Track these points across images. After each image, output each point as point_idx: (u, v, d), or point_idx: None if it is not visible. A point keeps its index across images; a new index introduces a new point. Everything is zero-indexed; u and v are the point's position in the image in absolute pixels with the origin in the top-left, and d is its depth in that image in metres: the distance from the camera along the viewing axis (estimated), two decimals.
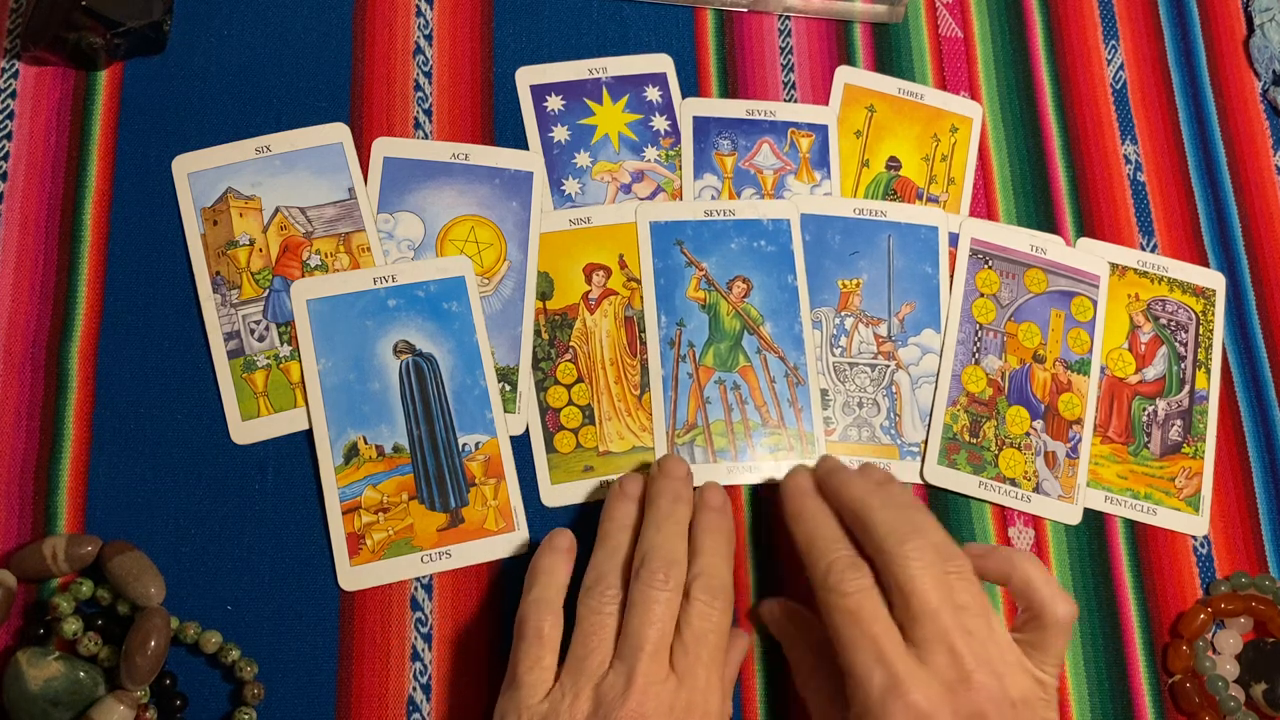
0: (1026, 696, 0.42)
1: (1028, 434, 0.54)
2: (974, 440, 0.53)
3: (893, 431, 0.53)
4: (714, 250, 0.54)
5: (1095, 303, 0.56)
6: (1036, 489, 0.53)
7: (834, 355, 0.53)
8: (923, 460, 0.53)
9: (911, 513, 0.45)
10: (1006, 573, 0.45)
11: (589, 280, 0.53)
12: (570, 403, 0.52)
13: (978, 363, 0.54)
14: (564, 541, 0.47)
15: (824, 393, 0.53)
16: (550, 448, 0.51)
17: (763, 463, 0.52)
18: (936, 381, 0.54)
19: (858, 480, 0.46)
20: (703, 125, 0.56)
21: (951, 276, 0.55)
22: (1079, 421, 0.55)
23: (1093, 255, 0.57)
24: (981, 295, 0.55)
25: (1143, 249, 0.58)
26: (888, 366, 0.54)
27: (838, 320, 0.54)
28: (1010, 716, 0.41)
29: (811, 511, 0.47)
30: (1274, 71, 0.62)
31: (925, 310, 0.55)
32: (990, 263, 0.56)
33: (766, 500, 0.52)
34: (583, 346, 0.52)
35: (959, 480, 0.53)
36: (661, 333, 0.53)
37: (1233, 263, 0.59)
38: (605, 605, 0.43)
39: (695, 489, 0.48)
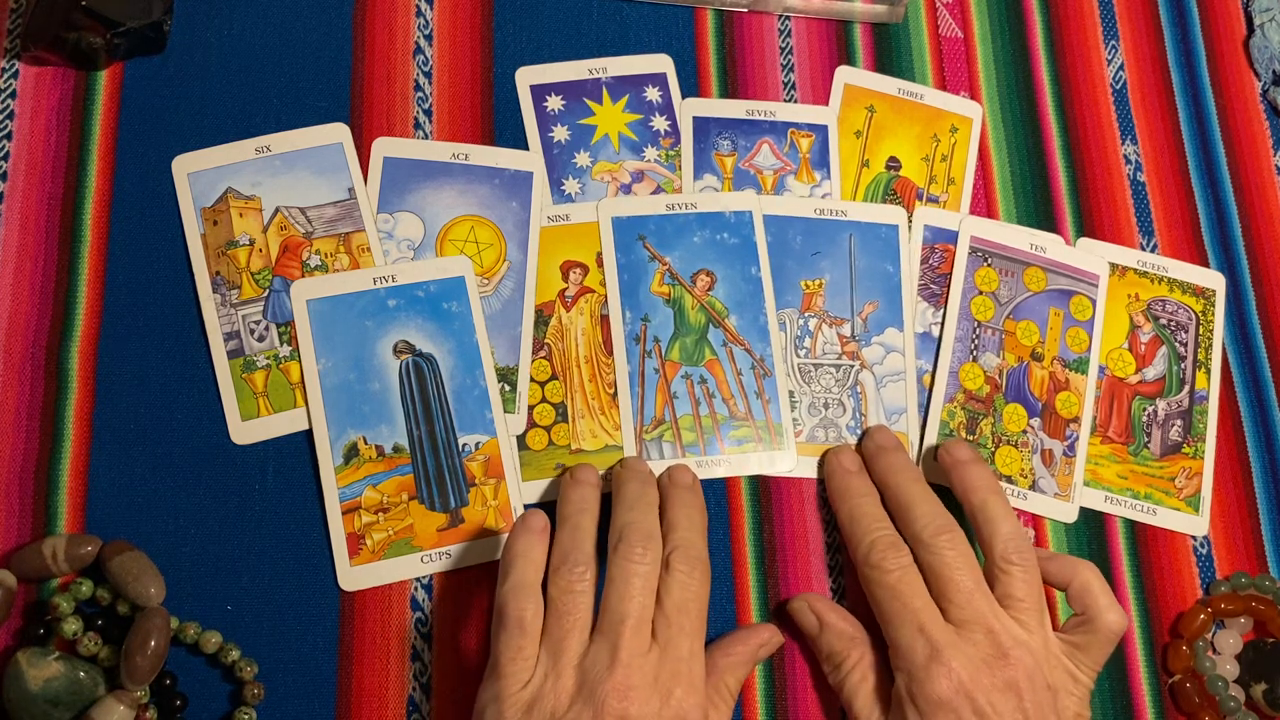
0: (1059, 685, 0.45)
1: (1024, 432, 0.54)
2: (971, 437, 0.54)
3: (859, 431, 0.53)
4: (677, 244, 0.54)
5: (1094, 302, 0.56)
6: (1033, 486, 0.53)
7: (798, 357, 0.53)
8: (919, 457, 0.53)
9: (986, 496, 0.48)
10: (1068, 577, 0.48)
11: (565, 278, 0.53)
12: (544, 400, 0.52)
13: (975, 360, 0.54)
14: (538, 522, 0.46)
15: (790, 394, 0.53)
16: (522, 444, 0.51)
17: (731, 455, 0.52)
18: (934, 378, 0.54)
19: (908, 467, 0.50)
20: (703, 125, 0.56)
21: (950, 273, 0.55)
22: (1076, 420, 0.55)
23: (1092, 255, 0.57)
24: (980, 293, 0.55)
25: (1143, 249, 0.58)
26: (852, 367, 0.54)
27: (801, 321, 0.54)
28: (1045, 697, 0.44)
29: (856, 489, 0.50)
30: (1274, 71, 0.62)
31: (888, 309, 0.55)
32: (989, 260, 0.56)
33: (767, 494, 0.52)
34: (557, 344, 0.52)
35: None
36: (626, 329, 0.53)
37: (1233, 263, 0.59)
38: (576, 584, 0.43)
39: (663, 473, 0.50)
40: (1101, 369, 0.56)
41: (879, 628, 0.47)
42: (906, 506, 0.48)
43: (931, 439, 0.53)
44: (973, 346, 0.55)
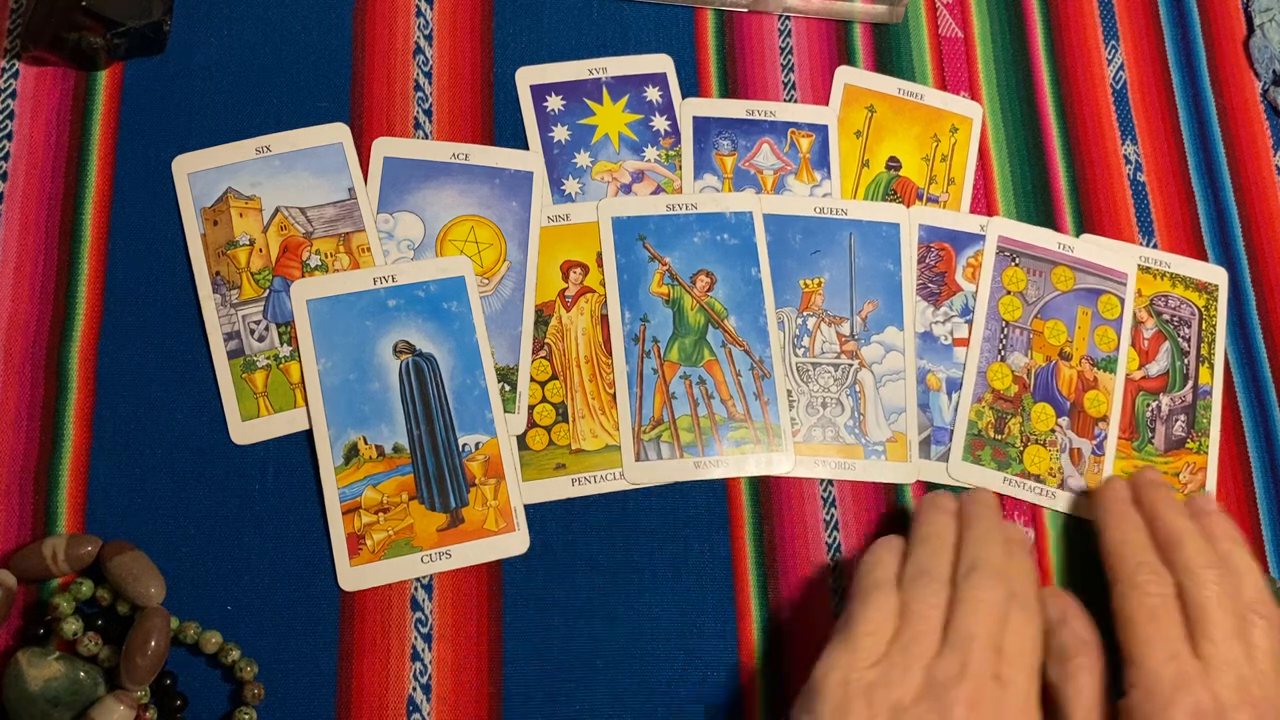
0: None
1: (1053, 431, 0.54)
2: (999, 437, 0.54)
3: (857, 431, 0.53)
4: (677, 245, 0.54)
5: (1123, 300, 0.56)
6: (1061, 485, 0.53)
7: (797, 356, 0.53)
8: (948, 456, 0.53)
9: (1231, 546, 0.49)
10: None
11: (566, 277, 0.53)
12: (544, 400, 0.52)
13: (1003, 360, 0.55)
14: (898, 544, 0.49)
15: (788, 393, 0.53)
16: (522, 444, 0.51)
17: (730, 457, 0.52)
18: (962, 378, 0.54)
19: (1177, 504, 0.51)
20: (703, 125, 0.56)
21: (974, 275, 0.56)
22: (1104, 419, 0.55)
23: (1107, 251, 0.57)
24: (1008, 292, 0.55)
25: (1142, 249, 0.58)
26: (851, 365, 0.54)
27: (800, 320, 0.54)
28: None
29: (1128, 517, 0.51)
30: (1274, 71, 0.62)
31: (888, 308, 0.55)
32: (1017, 260, 0.56)
33: (767, 494, 0.52)
34: (558, 344, 0.52)
35: (983, 476, 0.53)
36: (625, 329, 0.53)
37: (1233, 263, 0.59)
38: (931, 596, 0.45)
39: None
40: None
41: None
42: (1177, 538, 0.48)
43: (960, 438, 0.53)
44: (1000, 346, 0.55)
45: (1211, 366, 0.57)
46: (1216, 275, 0.58)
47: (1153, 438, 0.55)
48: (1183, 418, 0.56)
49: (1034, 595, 0.47)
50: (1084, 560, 0.53)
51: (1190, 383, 0.56)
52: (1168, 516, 0.50)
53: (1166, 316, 0.57)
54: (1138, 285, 0.57)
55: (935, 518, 0.49)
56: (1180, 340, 0.56)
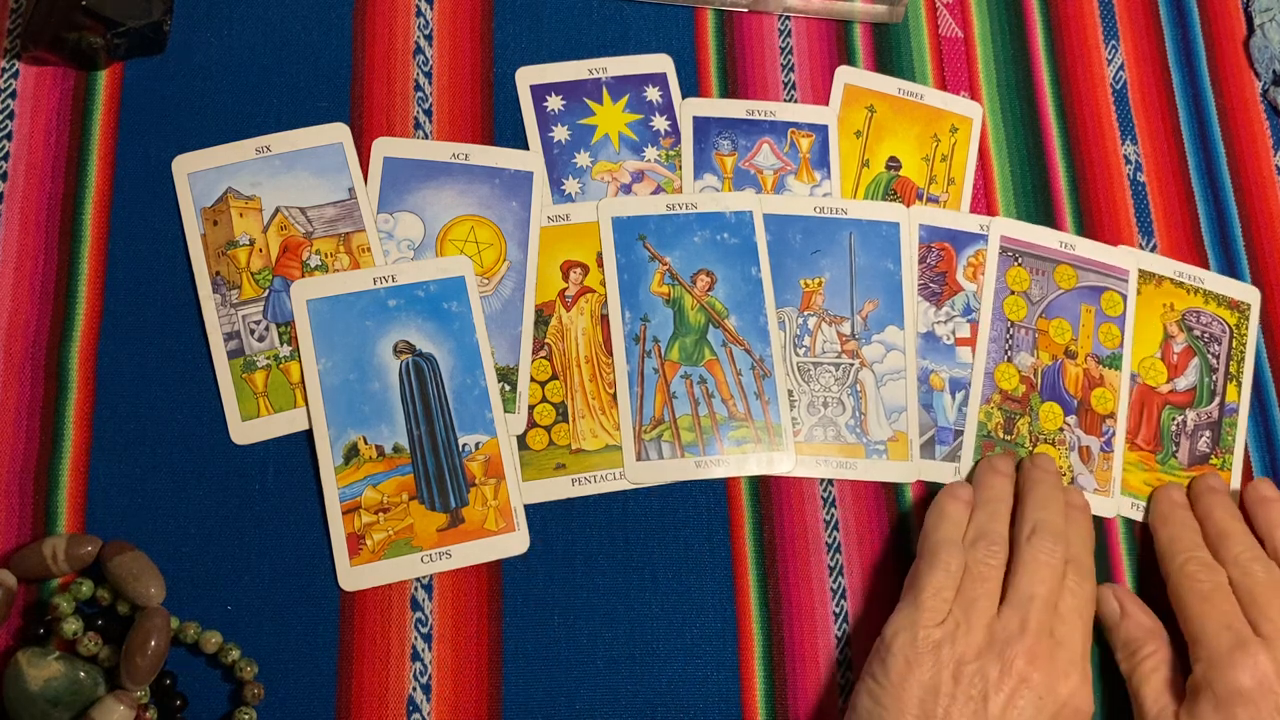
0: None
1: (1061, 429, 0.54)
2: (1008, 437, 0.54)
3: (858, 430, 0.53)
4: (677, 244, 0.54)
5: (1125, 297, 0.56)
6: (1072, 483, 0.53)
7: (798, 355, 0.53)
8: (955, 457, 0.53)
9: None
10: None
11: (566, 277, 0.53)
12: (544, 399, 0.52)
13: (1010, 360, 0.55)
14: (965, 493, 0.51)
15: (789, 393, 0.53)
16: (522, 444, 0.51)
17: (730, 456, 0.52)
18: (967, 378, 0.54)
19: (1229, 505, 0.53)
20: (703, 125, 0.56)
21: (980, 276, 0.56)
22: (1111, 416, 0.55)
23: (1121, 252, 0.57)
24: (1012, 292, 0.55)
25: (1142, 249, 0.58)
26: (852, 365, 0.54)
27: (800, 320, 0.54)
28: None
29: (1179, 518, 0.53)
30: (1274, 71, 0.62)
31: (888, 307, 0.55)
32: (1020, 260, 0.56)
33: (767, 494, 0.52)
34: (558, 344, 0.52)
35: None
36: (626, 329, 0.53)
37: (1233, 263, 0.59)
38: (991, 558, 0.48)
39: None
40: (1134, 377, 0.56)
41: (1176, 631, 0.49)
42: (1225, 534, 0.51)
43: (970, 440, 0.53)
44: (1007, 346, 0.55)
45: (1239, 385, 0.57)
46: (1249, 294, 0.58)
47: (1176, 451, 0.55)
48: (1208, 434, 0.56)
49: (1089, 559, 0.49)
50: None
51: (1217, 399, 0.56)
52: (1217, 515, 0.52)
53: (1198, 332, 0.57)
54: (1170, 299, 0.57)
55: (993, 481, 0.51)
56: (1210, 357, 0.56)
